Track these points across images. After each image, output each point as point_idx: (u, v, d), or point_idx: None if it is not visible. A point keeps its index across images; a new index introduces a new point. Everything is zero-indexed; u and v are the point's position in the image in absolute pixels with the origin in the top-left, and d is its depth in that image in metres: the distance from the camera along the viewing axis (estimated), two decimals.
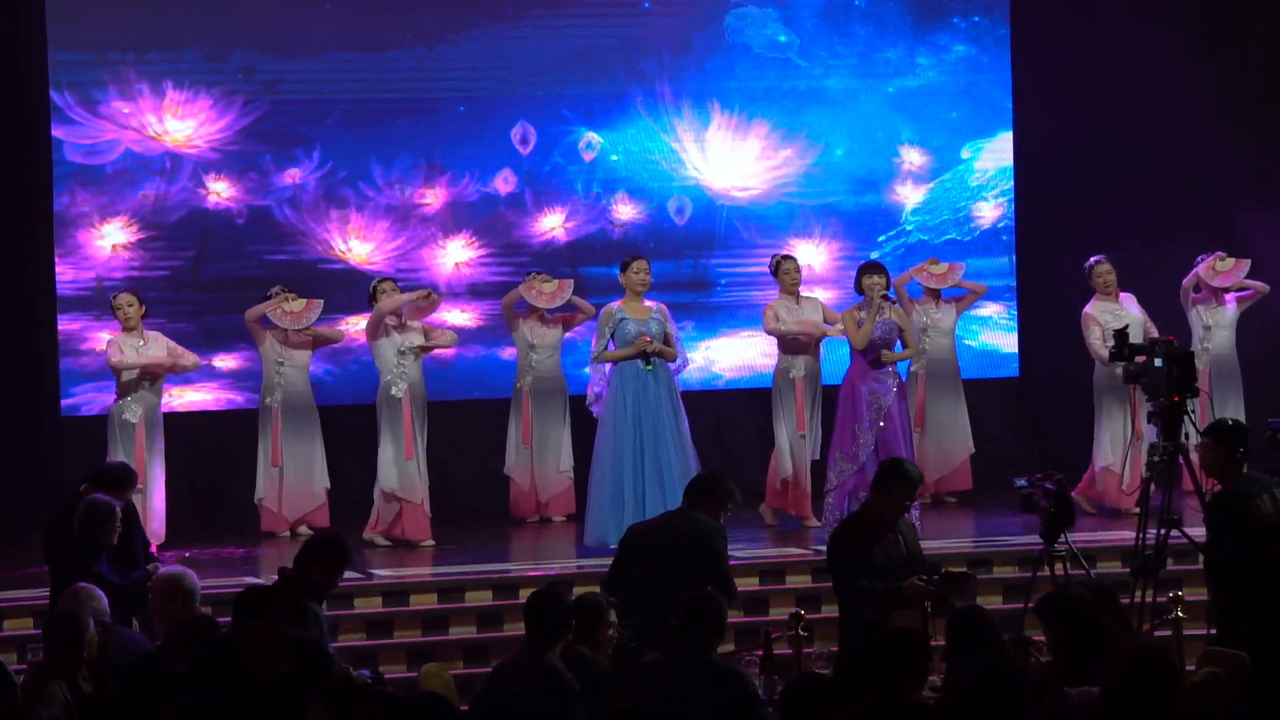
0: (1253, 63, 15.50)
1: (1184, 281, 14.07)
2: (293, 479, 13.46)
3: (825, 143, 15.24)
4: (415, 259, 14.56)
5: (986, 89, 15.50)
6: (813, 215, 15.24)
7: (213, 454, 14.18)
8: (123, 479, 10.43)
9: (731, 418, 14.88)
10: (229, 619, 7.42)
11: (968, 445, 14.36)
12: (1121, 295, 13.68)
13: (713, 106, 15.09)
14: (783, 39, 15.24)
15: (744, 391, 14.99)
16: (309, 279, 14.17)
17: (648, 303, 12.73)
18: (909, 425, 12.91)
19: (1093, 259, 13.71)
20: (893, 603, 8.58)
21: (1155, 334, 12.94)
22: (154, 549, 11.74)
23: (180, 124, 14.23)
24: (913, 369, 14.22)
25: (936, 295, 14.38)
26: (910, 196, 15.42)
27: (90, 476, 10.51)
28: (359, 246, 14.55)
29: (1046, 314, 15.33)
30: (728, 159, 15.13)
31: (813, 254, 15.02)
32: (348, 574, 11.35)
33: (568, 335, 14.05)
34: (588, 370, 13.12)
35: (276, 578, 8.54)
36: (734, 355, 15.14)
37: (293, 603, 7.87)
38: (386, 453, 12.98)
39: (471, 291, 14.75)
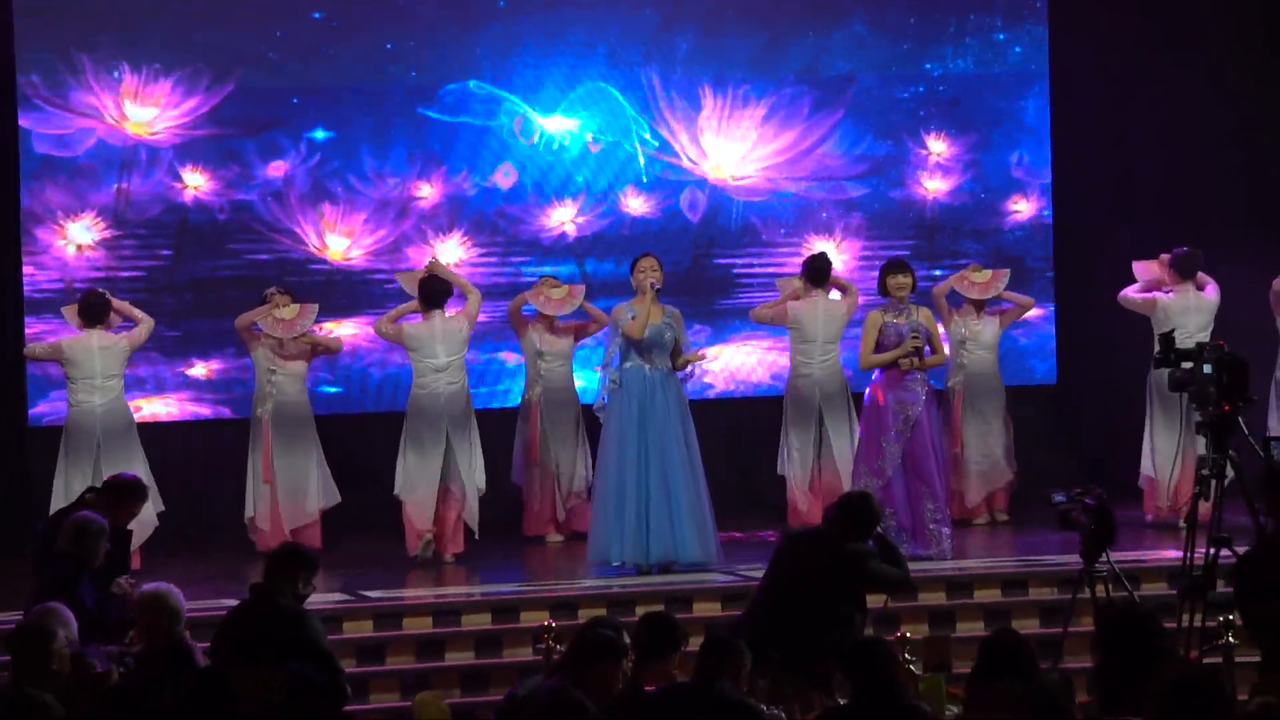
0: None
1: (1275, 283, 14.04)
2: (286, 496, 13.44)
3: (850, 135, 15.27)
4: (408, 257, 14.57)
5: (1026, 79, 15.51)
6: (832, 211, 15.26)
7: (190, 467, 14.19)
8: (132, 492, 10.38)
9: (744, 427, 14.89)
10: (208, 643, 7.47)
11: (1008, 470, 14.28)
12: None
13: (722, 95, 15.13)
14: (801, 22, 15.25)
15: (756, 399, 15.00)
16: (297, 280, 14.20)
17: (660, 304, 12.62)
18: (940, 437, 12.86)
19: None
20: None
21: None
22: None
23: (151, 111, 14.28)
24: (950, 384, 14.19)
25: (979, 306, 14.29)
26: (939, 193, 15.43)
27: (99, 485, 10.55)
28: (345, 244, 14.59)
29: (1085, 318, 15.32)
30: (740, 151, 15.18)
31: (832, 253, 15.03)
32: (336, 597, 11.46)
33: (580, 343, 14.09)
34: (597, 372, 13.09)
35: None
36: (748, 360, 15.14)
37: (281, 616, 8.08)
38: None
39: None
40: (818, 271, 13.89)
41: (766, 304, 14.23)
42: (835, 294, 14.09)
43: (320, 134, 14.57)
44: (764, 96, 15.16)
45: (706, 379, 14.94)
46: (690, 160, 15.08)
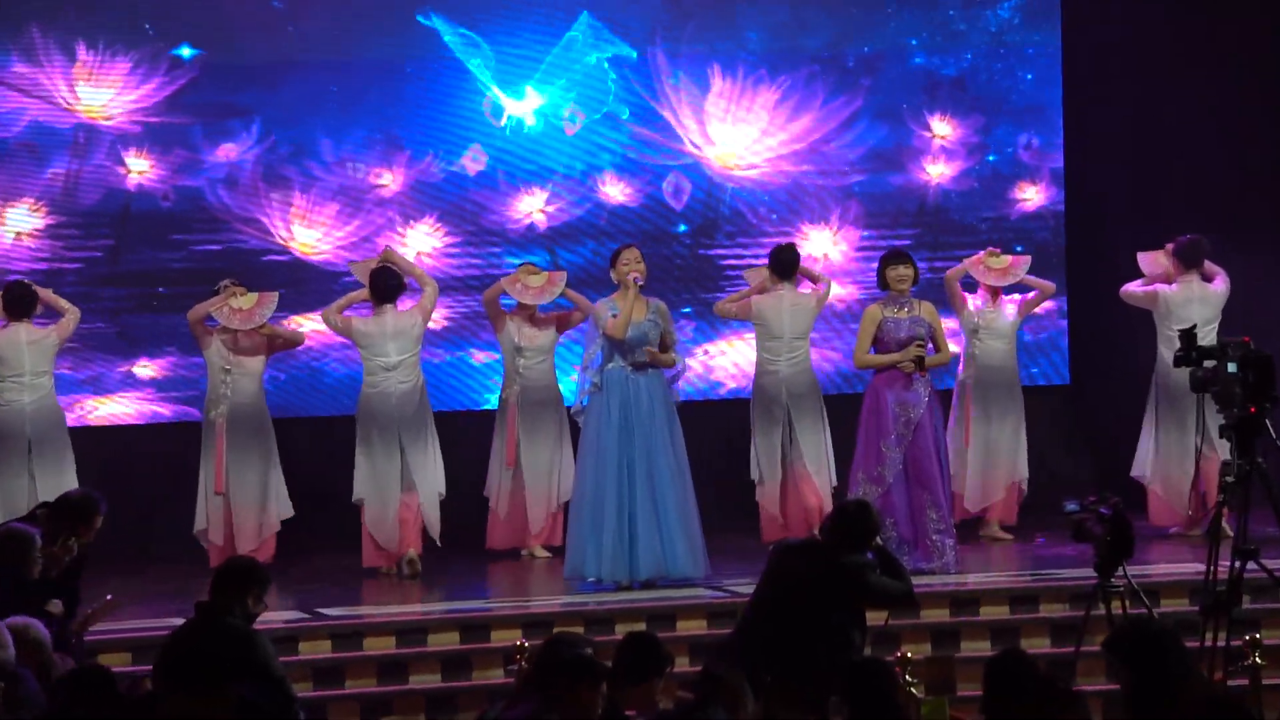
0: None
1: None
2: (241, 506, 13.26)
3: (846, 115, 15.10)
4: (370, 249, 14.38)
5: (1037, 58, 15.44)
6: (828, 198, 15.10)
7: (137, 475, 14.00)
8: (89, 506, 10.23)
9: (735, 431, 14.73)
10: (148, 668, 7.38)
11: (1017, 472, 14.05)
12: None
13: (714, 71, 14.96)
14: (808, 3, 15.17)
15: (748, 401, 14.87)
16: (249, 272, 14.07)
17: (644, 299, 12.45)
18: (943, 441, 12.73)
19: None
20: None
21: None
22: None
23: (94, 91, 14.24)
24: (961, 377, 14.00)
25: (995, 291, 14.05)
26: (943, 179, 15.29)
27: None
28: (304, 234, 14.43)
29: (1100, 313, 15.22)
30: (730, 132, 15.07)
31: (827, 243, 14.87)
32: (291, 615, 11.30)
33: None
34: (574, 376, 12.95)
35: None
36: (739, 359, 14.96)
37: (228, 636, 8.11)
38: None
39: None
40: (784, 264, 13.71)
41: (730, 297, 14.08)
42: (808, 287, 13.86)
43: (277, 115, 14.46)
44: (776, 79, 15.03)
45: (729, 385, 14.76)
46: (693, 145, 14.93)
